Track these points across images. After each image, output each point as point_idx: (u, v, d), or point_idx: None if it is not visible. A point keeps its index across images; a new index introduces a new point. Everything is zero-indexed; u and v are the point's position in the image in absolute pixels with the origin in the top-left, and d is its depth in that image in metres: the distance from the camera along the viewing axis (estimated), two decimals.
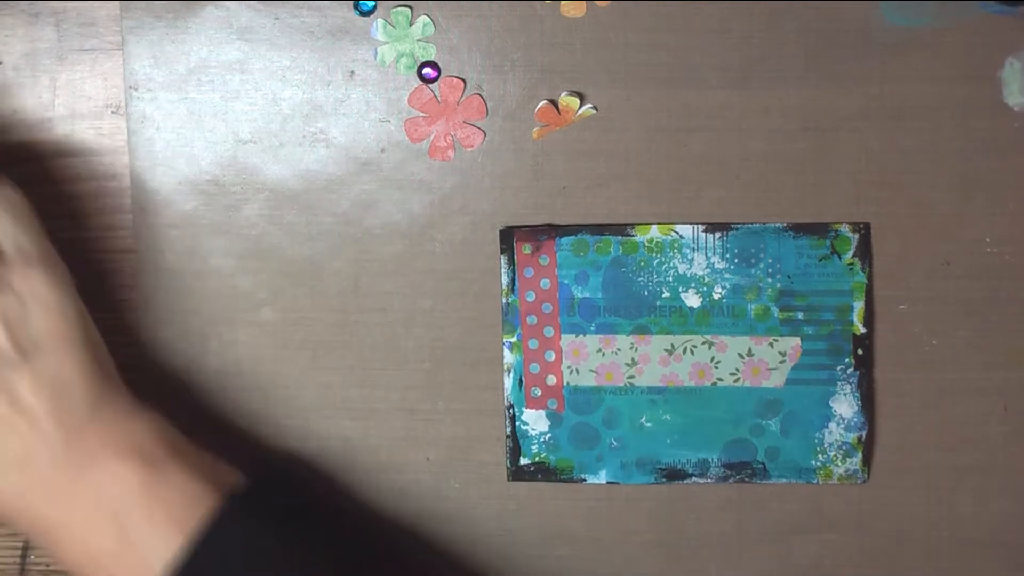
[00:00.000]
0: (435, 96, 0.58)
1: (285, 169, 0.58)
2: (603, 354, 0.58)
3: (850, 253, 0.57)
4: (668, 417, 0.58)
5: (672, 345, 0.58)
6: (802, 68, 0.57)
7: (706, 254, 0.57)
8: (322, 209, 0.59)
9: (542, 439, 0.58)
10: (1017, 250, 0.58)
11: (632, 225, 0.57)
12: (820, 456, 0.58)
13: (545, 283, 0.57)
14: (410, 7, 0.57)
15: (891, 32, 0.57)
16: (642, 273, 0.58)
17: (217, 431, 0.60)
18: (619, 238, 0.57)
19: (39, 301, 0.52)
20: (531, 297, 0.57)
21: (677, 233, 0.57)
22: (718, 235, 0.57)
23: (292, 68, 0.58)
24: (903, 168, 0.58)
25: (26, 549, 0.63)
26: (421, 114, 0.58)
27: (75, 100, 0.60)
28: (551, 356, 0.58)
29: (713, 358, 0.58)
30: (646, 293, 0.58)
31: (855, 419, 0.58)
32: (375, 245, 0.59)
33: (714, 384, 0.58)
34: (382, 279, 0.59)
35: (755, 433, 0.58)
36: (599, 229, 0.58)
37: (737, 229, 0.57)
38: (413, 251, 0.59)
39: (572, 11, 0.57)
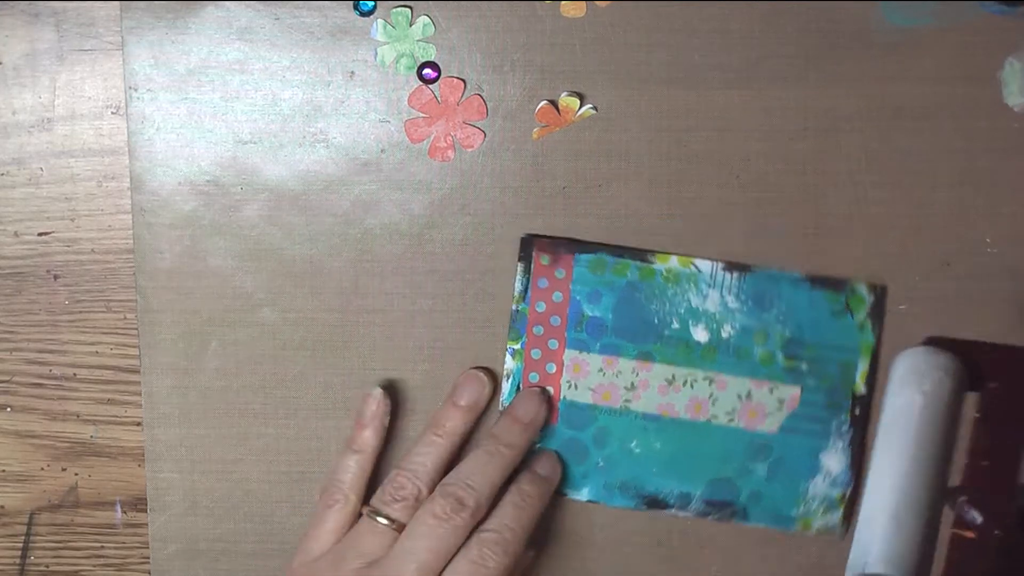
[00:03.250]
0: (435, 96, 0.58)
1: (285, 169, 0.58)
2: (604, 374, 0.58)
3: (863, 313, 0.57)
4: (658, 446, 0.58)
5: (673, 376, 0.58)
6: (802, 68, 0.57)
7: (721, 291, 0.57)
8: (322, 209, 0.59)
9: (531, 448, 0.58)
10: (1017, 250, 0.58)
11: (653, 252, 0.57)
12: (802, 507, 0.58)
13: (557, 296, 0.57)
14: (410, 7, 0.57)
15: (891, 32, 0.57)
16: (655, 301, 0.57)
17: (218, 431, 0.60)
18: (638, 263, 0.57)
19: None
20: (541, 308, 0.57)
21: (696, 267, 0.57)
22: (736, 275, 0.57)
23: (292, 68, 0.58)
24: (903, 168, 0.58)
25: (26, 549, 0.63)
26: (421, 114, 0.58)
27: (75, 100, 0.60)
28: (552, 368, 0.58)
29: (712, 395, 0.58)
30: (656, 321, 0.58)
31: (842, 476, 0.58)
32: (375, 245, 0.59)
33: (708, 420, 0.58)
34: (382, 279, 0.59)
35: (741, 475, 0.58)
36: (619, 251, 0.57)
37: (755, 272, 0.57)
38: (413, 251, 0.59)
39: (572, 11, 0.57)
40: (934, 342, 0.48)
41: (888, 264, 0.58)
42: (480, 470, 0.54)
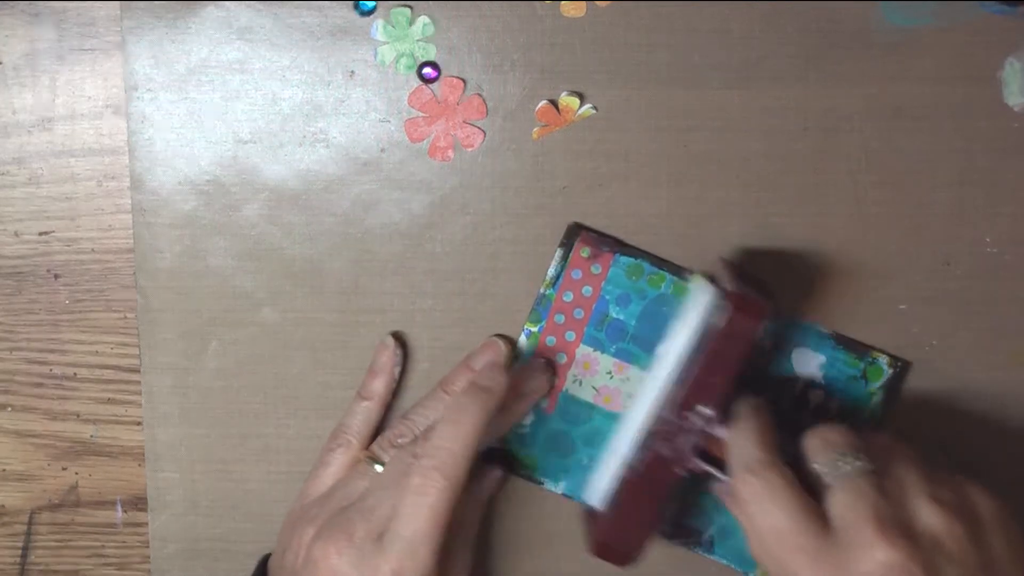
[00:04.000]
0: (435, 96, 0.58)
1: (285, 169, 0.58)
2: (611, 377, 0.58)
3: (879, 383, 0.57)
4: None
5: None
6: (802, 68, 0.57)
7: None
8: (322, 209, 0.59)
9: (518, 429, 0.58)
10: (1017, 250, 0.58)
11: (691, 271, 0.57)
12: None
13: (587, 290, 0.57)
14: (410, 7, 0.57)
15: (891, 32, 0.57)
16: (677, 318, 0.57)
17: (218, 431, 0.60)
18: (674, 278, 0.57)
19: None
20: (568, 297, 0.57)
21: None
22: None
23: (292, 68, 0.58)
24: (903, 168, 0.58)
25: (26, 549, 0.63)
26: (421, 114, 0.58)
27: (75, 100, 0.60)
28: (563, 359, 0.58)
29: None
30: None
31: None
32: (375, 245, 0.59)
33: None
34: (382, 279, 0.59)
35: (718, 507, 0.58)
36: (659, 262, 0.57)
37: (782, 318, 0.57)
38: (413, 251, 0.59)
39: (572, 11, 0.57)
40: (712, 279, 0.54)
41: (888, 264, 0.58)
42: (450, 432, 0.52)
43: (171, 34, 0.58)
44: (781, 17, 0.57)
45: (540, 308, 0.58)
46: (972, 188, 0.58)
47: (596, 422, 0.58)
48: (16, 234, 0.60)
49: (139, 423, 0.61)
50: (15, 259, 0.61)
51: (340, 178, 0.58)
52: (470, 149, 0.58)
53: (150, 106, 0.58)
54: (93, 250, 0.60)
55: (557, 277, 0.58)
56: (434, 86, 0.58)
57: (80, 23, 0.59)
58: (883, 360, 0.57)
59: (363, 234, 0.59)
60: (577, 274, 0.57)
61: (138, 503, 0.62)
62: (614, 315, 0.57)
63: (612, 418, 0.58)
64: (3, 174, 0.60)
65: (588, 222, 0.58)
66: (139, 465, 0.62)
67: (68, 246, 0.60)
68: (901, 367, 0.57)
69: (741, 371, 0.51)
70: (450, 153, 0.58)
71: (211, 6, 0.58)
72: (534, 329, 0.58)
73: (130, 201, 0.59)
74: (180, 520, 0.61)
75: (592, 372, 0.58)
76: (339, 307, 0.59)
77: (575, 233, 0.57)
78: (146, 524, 0.61)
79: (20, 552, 0.63)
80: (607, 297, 0.57)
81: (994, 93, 0.57)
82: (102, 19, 0.59)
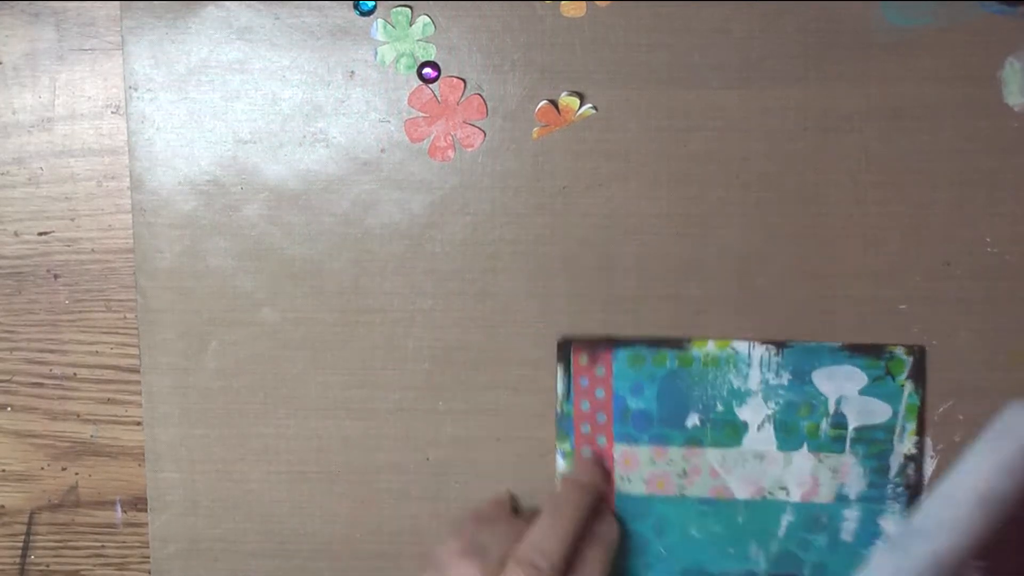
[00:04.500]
0: (435, 96, 0.58)
1: (285, 169, 0.58)
2: (655, 464, 0.58)
3: (904, 375, 0.57)
4: (718, 528, 0.58)
5: (724, 457, 0.58)
6: (802, 68, 0.57)
7: (761, 370, 0.57)
8: (322, 209, 0.59)
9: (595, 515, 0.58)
10: (1017, 250, 0.58)
11: (689, 340, 0.57)
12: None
13: (600, 393, 0.58)
14: (410, 7, 0.57)
15: (891, 32, 0.57)
16: (697, 386, 0.58)
17: (219, 431, 0.60)
18: (676, 351, 0.57)
19: None
20: (586, 407, 0.58)
21: (733, 348, 0.57)
22: (774, 350, 0.57)
23: (292, 68, 0.58)
24: (903, 168, 0.58)
25: (26, 549, 0.63)
26: (421, 114, 0.58)
27: (75, 100, 0.60)
28: (605, 464, 0.58)
29: (764, 471, 0.58)
30: (700, 406, 0.58)
31: None
32: (375, 245, 0.59)
33: (764, 497, 0.58)
34: (382, 279, 0.59)
35: (802, 547, 0.58)
36: (657, 343, 0.58)
37: (793, 346, 0.57)
38: (413, 251, 0.59)
39: (572, 11, 0.57)
40: None
41: (888, 264, 0.58)
42: (549, 534, 0.54)
43: (171, 34, 0.58)
44: (781, 17, 0.57)
45: (563, 426, 0.58)
46: (972, 188, 0.57)
47: (658, 510, 0.58)
48: (16, 234, 0.60)
49: (139, 423, 0.61)
50: (15, 259, 0.61)
51: (340, 178, 0.58)
52: (470, 149, 0.58)
53: (150, 106, 0.58)
54: (93, 250, 0.60)
55: (568, 391, 0.58)
56: (434, 86, 0.58)
57: (80, 23, 0.59)
58: (900, 351, 0.57)
59: (363, 234, 0.59)
60: (585, 382, 0.58)
61: (138, 503, 0.62)
62: (634, 406, 0.58)
63: (671, 502, 0.58)
64: (3, 174, 0.60)
65: (588, 222, 0.58)
66: (139, 465, 0.62)
67: (68, 246, 0.60)
68: (918, 352, 0.57)
69: None
70: (450, 153, 0.58)
71: (211, 6, 0.58)
72: (566, 447, 0.58)
73: (130, 201, 0.59)
74: (180, 520, 0.61)
75: (635, 465, 0.58)
76: (339, 307, 0.59)
77: (567, 346, 0.58)
78: (146, 524, 0.61)
79: (20, 552, 0.63)
80: (621, 393, 0.58)
81: (994, 93, 0.57)
82: (102, 19, 0.59)
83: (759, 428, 0.58)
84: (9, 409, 0.62)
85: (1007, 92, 0.57)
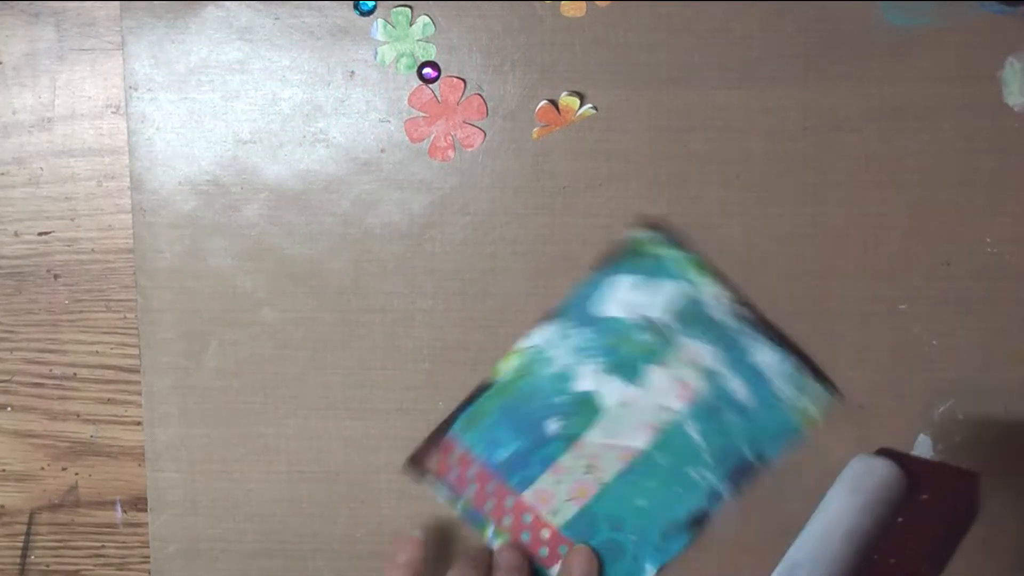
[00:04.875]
0: (435, 96, 0.58)
1: (285, 169, 0.58)
2: (561, 481, 0.58)
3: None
4: (653, 483, 0.58)
5: (602, 430, 0.58)
6: (802, 68, 0.57)
7: (561, 343, 0.58)
8: (322, 209, 0.59)
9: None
10: (1017, 250, 0.58)
11: (490, 377, 0.58)
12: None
13: (471, 472, 0.58)
14: (410, 7, 0.57)
15: (891, 32, 0.57)
16: (530, 400, 0.58)
17: (218, 431, 0.60)
18: (493, 393, 0.58)
19: None
20: (472, 491, 0.58)
21: (525, 347, 0.58)
22: (553, 322, 0.58)
23: (292, 68, 0.58)
24: (903, 168, 0.58)
25: (26, 548, 0.63)
26: (421, 114, 0.58)
27: (75, 100, 0.60)
28: (528, 518, 0.58)
29: (641, 412, 0.58)
30: (545, 410, 0.58)
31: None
32: (375, 245, 0.59)
33: (662, 430, 0.58)
34: (382, 279, 0.59)
35: (725, 436, 0.58)
36: (468, 401, 0.58)
37: (565, 307, 0.58)
38: (413, 251, 0.59)
39: (572, 11, 0.57)
40: (884, 452, 0.51)
41: (888, 264, 0.58)
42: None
43: (171, 34, 0.58)
44: (781, 17, 0.57)
45: (472, 519, 0.58)
46: (972, 188, 0.57)
47: (598, 512, 0.58)
48: (16, 234, 0.60)
49: (139, 423, 0.61)
50: (15, 259, 0.61)
51: (340, 178, 0.58)
52: (470, 149, 0.58)
53: (150, 106, 0.58)
54: (93, 250, 0.60)
55: (452, 493, 0.58)
56: (434, 86, 0.58)
57: (80, 23, 0.59)
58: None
59: (363, 234, 0.59)
60: (454, 474, 0.58)
61: (138, 503, 0.62)
62: (503, 455, 0.58)
63: (603, 495, 0.58)
64: (3, 174, 0.60)
65: (588, 222, 0.58)
66: (139, 465, 0.62)
67: (68, 246, 0.60)
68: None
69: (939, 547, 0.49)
70: (450, 153, 0.58)
71: (211, 6, 0.58)
72: (488, 533, 0.58)
73: (130, 201, 0.59)
74: (180, 520, 0.61)
75: (551, 496, 0.58)
76: (339, 307, 0.59)
77: (415, 461, 0.59)
78: (146, 524, 0.61)
79: (20, 552, 0.63)
80: (483, 457, 0.58)
81: (994, 93, 0.57)
82: (102, 19, 0.59)
83: (602, 385, 0.57)
84: (9, 409, 0.62)
85: (1007, 92, 0.57)
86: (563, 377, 0.58)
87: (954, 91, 0.57)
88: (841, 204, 0.58)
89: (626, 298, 0.58)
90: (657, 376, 0.58)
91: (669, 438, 0.58)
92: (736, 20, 0.57)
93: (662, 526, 0.58)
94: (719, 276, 0.58)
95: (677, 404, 0.58)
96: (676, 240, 0.58)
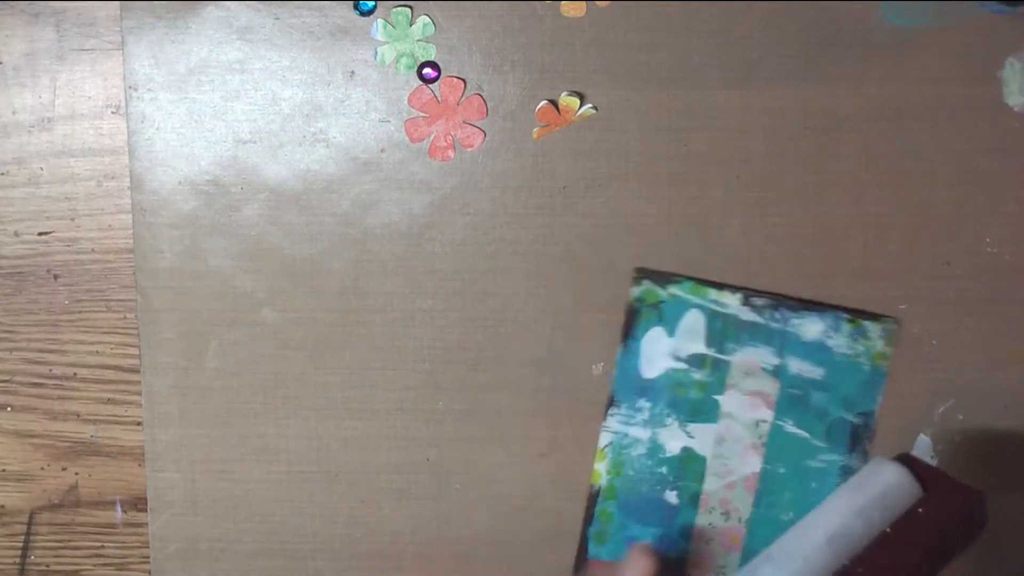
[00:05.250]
0: (435, 96, 0.58)
1: (285, 169, 0.58)
2: (710, 540, 0.59)
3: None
4: (787, 494, 0.59)
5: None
6: (802, 68, 0.57)
7: (633, 423, 0.59)
8: (322, 209, 0.59)
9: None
10: (1017, 250, 0.58)
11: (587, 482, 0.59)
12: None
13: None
14: (410, 7, 0.57)
15: (891, 32, 0.57)
16: (639, 486, 0.59)
17: (221, 432, 0.60)
18: (601, 499, 0.59)
19: None
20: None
21: (614, 438, 0.59)
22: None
23: (292, 68, 0.58)
24: (903, 168, 0.58)
25: (26, 548, 0.63)
26: (421, 114, 0.58)
27: (75, 100, 0.60)
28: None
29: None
30: (658, 490, 0.59)
31: None
32: (375, 245, 0.59)
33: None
34: (382, 279, 0.59)
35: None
36: (587, 518, 0.59)
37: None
38: (413, 251, 0.59)
39: (572, 11, 0.57)
40: (903, 458, 0.51)
41: (888, 264, 0.58)
42: None
43: (171, 34, 0.58)
44: (781, 17, 0.57)
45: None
46: (972, 188, 0.57)
47: (754, 547, 0.59)
48: (16, 234, 0.60)
49: (139, 423, 0.61)
50: (15, 259, 0.61)
51: (340, 178, 0.58)
52: (470, 149, 0.58)
53: (150, 106, 0.58)
54: (93, 250, 0.60)
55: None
56: (434, 86, 0.58)
57: (80, 23, 0.59)
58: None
59: (363, 234, 0.59)
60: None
61: (138, 503, 0.62)
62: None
63: (751, 536, 0.59)
64: (3, 174, 0.60)
65: (588, 222, 0.58)
66: (139, 465, 0.62)
67: (68, 246, 0.61)
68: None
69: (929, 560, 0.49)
70: (450, 153, 0.58)
71: (211, 6, 0.58)
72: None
73: (130, 201, 0.59)
74: (180, 520, 0.61)
75: (710, 562, 0.59)
76: (339, 307, 0.59)
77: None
78: (146, 524, 0.61)
79: (20, 552, 0.63)
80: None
81: (994, 93, 0.57)
82: (102, 19, 0.59)
83: (691, 436, 0.59)
84: (9, 409, 0.62)
85: (1007, 92, 0.57)
86: (654, 450, 0.58)
87: (954, 91, 0.57)
88: (841, 204, 0.58)
89: (663, 349, 0.58)
90: (732, 400, 0.58)
91: (776, 447, 0.58)
92: (736, 20, 0.57)
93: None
94: (723, 284, 0.58)
95: (765, 413, 0.58)
96: (668, 273, 0.58)
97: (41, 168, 0.60)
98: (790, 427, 0.58)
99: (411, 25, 0.57)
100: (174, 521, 0.61)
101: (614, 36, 0.57)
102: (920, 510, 0.49)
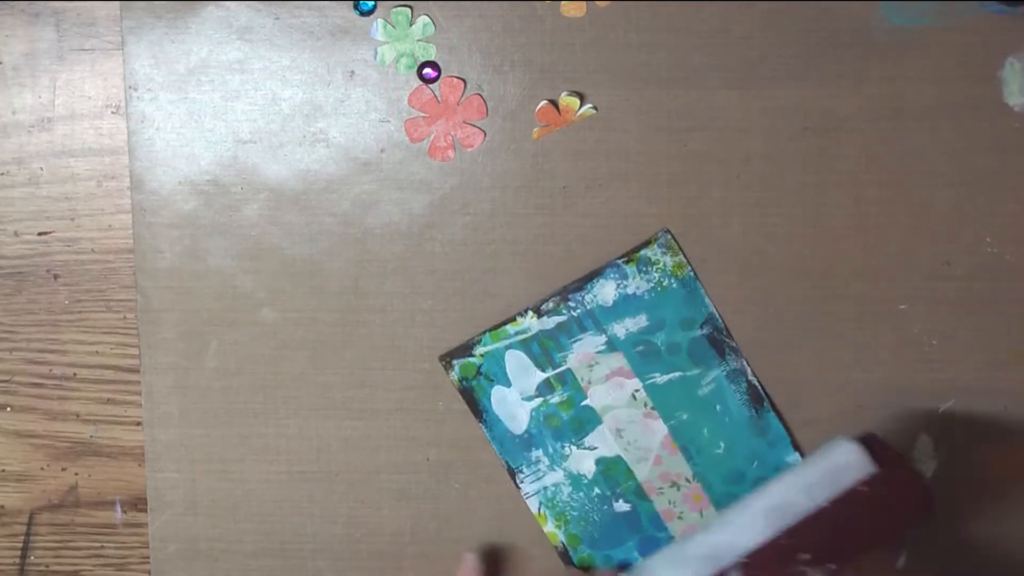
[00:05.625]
0: (435, 96, 0.58)
1: (285, 169, 0.58)
2: (675, 506, 0.59)
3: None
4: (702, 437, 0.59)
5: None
6: (802, 68, 0.57)
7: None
8: (322, 209, 0.59)
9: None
10: (1017, 250, 0.58)
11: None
12: None
13: None
14: (410, 7, 0.57)
15: (891, 32, 0.57)
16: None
17: (219, 431, 0.60)
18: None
19: None
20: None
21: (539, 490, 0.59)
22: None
23: (292, 68, 0.58)
24: (903, 168, 0.58)
25: (26, 549, 0.63)
26: (421, 114, 0.58)
27: (75, 100, 0.60)
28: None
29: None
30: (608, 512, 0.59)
31: None
32: (375, 245, 0.59)
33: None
34: (382, 279, 0.59)
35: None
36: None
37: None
38: (413, 251, 0.59)
39: (572, 11, 0.57)
40: (867, 437, 0.51)
41: (888, 264, 0.58)
42: None
43: (171, 34, 0.58)
44: (781, 17, 0.57)
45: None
46: (972, 188, 0.58)
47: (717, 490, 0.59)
48: (16, 234, 0.60)
49: (139, 423, 0.61)
50: (15, 259, 0.61)
51: (340, 178, 0.58)
52: (470, 149, 0.58)
53: (150, 106, 0.58)
54: (93, 250, 0.60)
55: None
56: (434, 86, 0.58)
57: (80, 23, 0.59)
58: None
59: (363, 234, 0.59)
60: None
61: (138, 503, 0.62)
62: (623, 556, 0.60)
63: (708, 488, 0.59)
64: (3, 174, 0.60)
65: (588, 222, 0.58)
66: (139, 465, 0.62)
67: (68, 246, 0.61)
68: None
69: (877, 544, 0.50)
70: (450, 153, 0.58)
71: (211, 6, 0.58)
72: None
73: (130, 201, 0.59)
74: (180, 520, 0.61)
75: (695, 526, 0.59)
76: (339, 307, 0.59)
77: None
78: (146, 524, 0.61)
79: (20, 552, 0.63)
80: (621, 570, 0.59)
81: (994, 93, 0.57)
82: (102, 19, 0.59)
83: (595, 446, 0.59)
84: (9, 409, 0.62)
85: (1007, 92, 0.57)
86: (576, 481, 0.59)
87: (954, 91, 0.57)
88: (841, 204, 0.58)
89: (513, 400, 0.59)
90: (599, 395, 0.59)
91: (663, 401, 0.59)
92: (736, 20, 0.57)
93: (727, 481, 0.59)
94: (510, 317, 0.58)
95: (632, 383, 0.58)
96: (465, 343, 0.58)
97: (41, 168, 0.60)
98: (660, 378, 0.58)
99: (411, 25, 0.57)
100: (174, 521, 0.61)
101: (614, 36, 0.57)
102: (864, 488, 0.49)
